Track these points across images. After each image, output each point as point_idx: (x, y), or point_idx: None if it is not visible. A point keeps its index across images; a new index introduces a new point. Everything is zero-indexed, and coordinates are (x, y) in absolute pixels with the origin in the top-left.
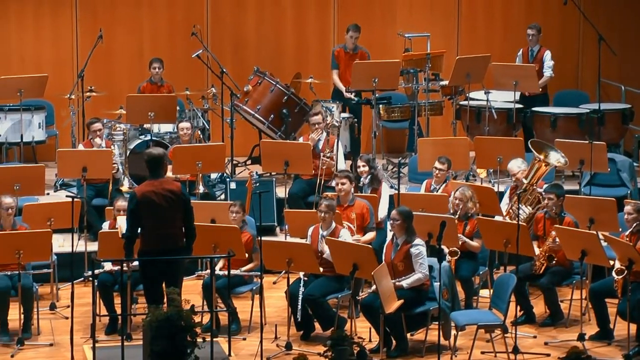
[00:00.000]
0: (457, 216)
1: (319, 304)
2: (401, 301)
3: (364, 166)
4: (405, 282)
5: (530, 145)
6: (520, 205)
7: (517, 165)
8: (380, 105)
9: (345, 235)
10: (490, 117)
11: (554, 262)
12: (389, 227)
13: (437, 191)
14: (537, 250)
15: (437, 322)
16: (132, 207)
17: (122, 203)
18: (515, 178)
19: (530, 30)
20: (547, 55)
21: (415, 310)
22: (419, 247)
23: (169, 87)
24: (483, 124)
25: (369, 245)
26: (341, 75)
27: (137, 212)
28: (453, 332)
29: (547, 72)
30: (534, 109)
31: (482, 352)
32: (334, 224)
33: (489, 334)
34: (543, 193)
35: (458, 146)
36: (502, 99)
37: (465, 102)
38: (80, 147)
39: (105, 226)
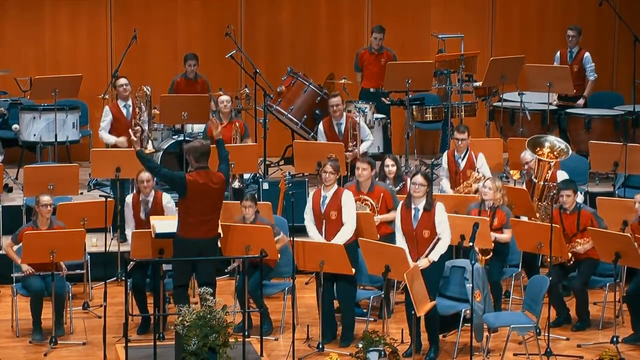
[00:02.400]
0: (486, 207)
1: (346, 305)
2: (433, 303)
3: (392, 165)
4: (435, 256)
5: (526, 146)
6: (543, 204)
7: (530, 154)
8: (413, 106)
9: (349, 199)
10: (524, 119)
11: (571, 263)
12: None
13: (461, 160)
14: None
15: (469, 324)
16: (181, 180)
17: (145, 174)
18: (528, 167)
19: (571, 31)
20: (588, 57)
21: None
22: (442, 210)
23: (203, 82)
24: (517, 125)
25: (401, 247)
26: (366, 76)
27: (182, 185)
28: (485, 334)
29: (592, 76)
30: (568, 110)
31: (515, 354)
32: (336, 186)
33: (522, 336)
34: (558, 188)
35: (491, 147)
36: (538, 100)
37: (499, 104)
38: (107, 109)
39: None
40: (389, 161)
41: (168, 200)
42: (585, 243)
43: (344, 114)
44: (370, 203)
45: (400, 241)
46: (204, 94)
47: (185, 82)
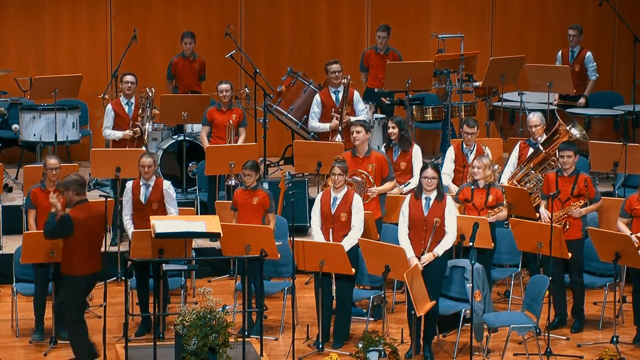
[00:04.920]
0: (479, 186)
1: (342, 304)
2: (433, 302)
3: (393, 128)
4: (440, 250)
5: (556, 113)
6: (537, 175)
7: (540, 118)
8: (413, 106)
9: (359, 203)
10: (524, 118)
11: (567, 229)
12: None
13: (470, 152)
14: (544, 212)
15: (469, 324)
16: (69, 220)
17: (146, 159)
18: (535, 130)
19: (572, 30)
20: (589, 57)
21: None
22: (452, 202)
23: (201, 61)
24: (517, 125)
25: (401, 247)
26: (372, 76)
27: (69, 229)
28: (485, 334)
29: (593, 76)
30: (568, 110)
31: (515, 354)
32: (346, 188)
33: (522, 336)
34: (557, 152)
35: (491, 147)
36: (538, 100)
37: (499, 104)
38: (109, 107)
39: None
40: (390, 123)
41: (168, 185)
42: (580, 207)
43: (342, 87)
44: (365, 175)
45: (403, 232)
46: (201, 74)
47: (183, 61)
